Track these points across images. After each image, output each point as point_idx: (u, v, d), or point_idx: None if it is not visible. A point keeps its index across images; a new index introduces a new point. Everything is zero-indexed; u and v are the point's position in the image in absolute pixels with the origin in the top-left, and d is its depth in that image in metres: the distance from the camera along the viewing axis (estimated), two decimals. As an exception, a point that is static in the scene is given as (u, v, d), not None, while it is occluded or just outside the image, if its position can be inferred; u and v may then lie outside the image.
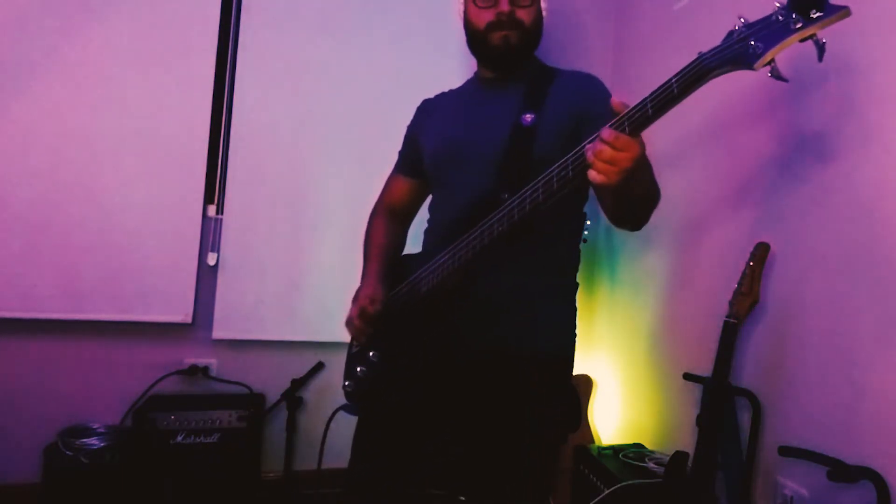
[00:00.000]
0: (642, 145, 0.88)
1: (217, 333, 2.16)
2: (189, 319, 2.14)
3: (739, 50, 0.79)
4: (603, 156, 0.86)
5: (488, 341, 1.19)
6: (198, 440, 1.97)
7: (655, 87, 0.87)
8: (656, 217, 1.15)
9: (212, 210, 2.21)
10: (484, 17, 1.25)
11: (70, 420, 2.00)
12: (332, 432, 1.66)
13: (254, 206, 2.21)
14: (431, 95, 1.49)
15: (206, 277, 2.18)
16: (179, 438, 1.95)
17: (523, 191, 1.03)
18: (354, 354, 1.37)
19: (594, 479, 1.86)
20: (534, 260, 1.21)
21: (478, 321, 1.19)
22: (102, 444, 1.90)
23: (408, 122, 1.50)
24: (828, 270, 1.46)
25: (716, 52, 0.82)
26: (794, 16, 0.75)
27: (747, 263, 1.57)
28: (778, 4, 0.77)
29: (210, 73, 2.17)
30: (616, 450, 1.95)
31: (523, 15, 1.25)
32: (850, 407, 1.37)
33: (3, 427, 1.98)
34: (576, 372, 2.19)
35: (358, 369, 1.32)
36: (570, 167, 0.96)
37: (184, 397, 2.09)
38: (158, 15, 2.11)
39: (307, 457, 2.21)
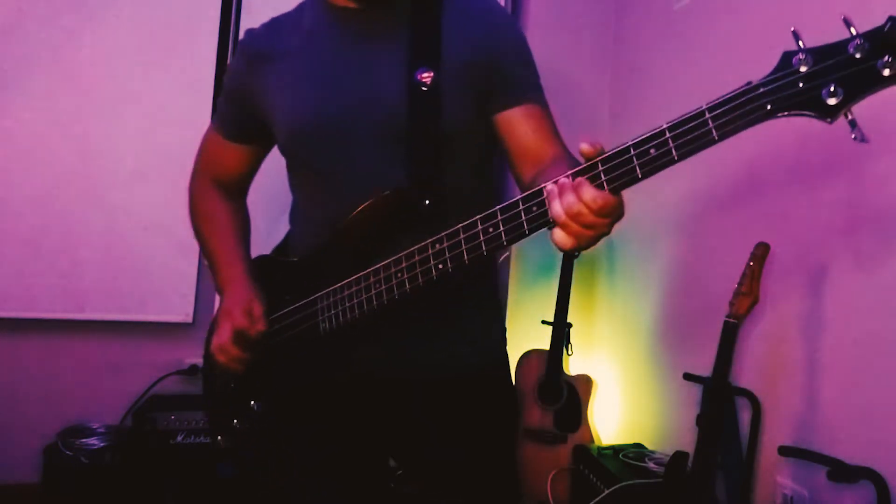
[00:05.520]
0: (622, 204, 0.71)
1: (217, 333, 2.16)
2: (189, 319, 2.14)
3: (811, 96, 0.58)
4: (582, 220, 0.67)
5: (412, 368, 0.96)
6: (198, 440, 1.96)
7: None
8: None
9: (212, 210, 2.21)
10: None
11: (70, 420, 2.01)
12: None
13: (253, 206, 2.20)
14: None
15: (206, 277, 2.17)
16: (179, 438, 1.95)
17: (457, 234, 0.78)
18: (223, 394, 1.12)
19: (594, 479, 1.86)
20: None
21: (394, 349, 0.95)
22: (102, 444, 1.91)
23: None
24: (828, 270, 1.47)
25: (774, 87, 0.60)
26: (887, 58, 0.54)
27: (747, 263, 1.56)
28: (853, 31, 0.56)
29: (210, 73, 2.17)
30: (616, 450, 1.95)
31: None
32: (850, 407, 1.37)
33: (3, 427, 1.98)
34: (576, 372, 2.23)
35: (234, 422, 1.06)
36: (531, 209, 0.73)
37: (184, 397, 2.09)
38: (159, 15, 2.11)
39: (307, 457, 2.21)
